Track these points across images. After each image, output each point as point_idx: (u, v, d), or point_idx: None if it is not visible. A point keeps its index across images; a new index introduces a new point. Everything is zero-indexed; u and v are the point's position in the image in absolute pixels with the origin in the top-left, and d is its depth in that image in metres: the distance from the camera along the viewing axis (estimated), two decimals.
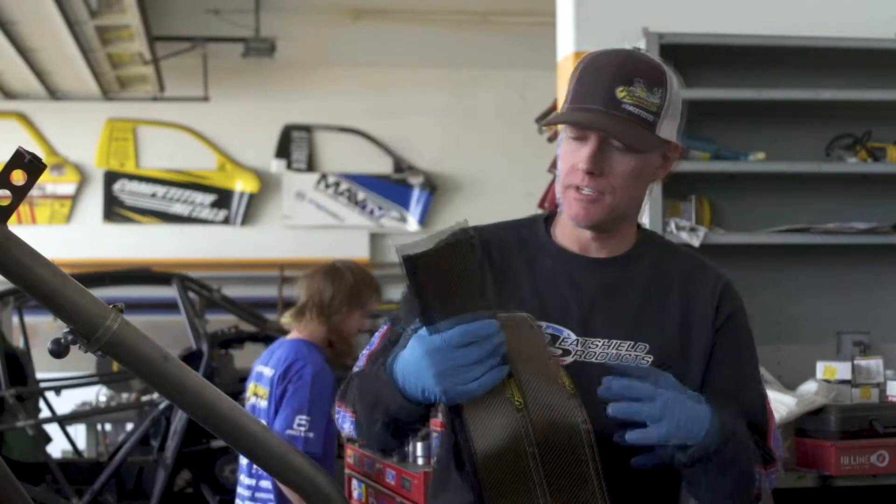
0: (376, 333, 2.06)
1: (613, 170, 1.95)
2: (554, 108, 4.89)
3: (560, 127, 2.03)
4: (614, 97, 1.92)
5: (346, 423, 1.98)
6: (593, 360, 1.95)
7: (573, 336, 1.96)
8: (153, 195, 12.24)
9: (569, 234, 2.05)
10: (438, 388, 1.74)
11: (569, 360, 1.94)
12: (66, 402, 7.62)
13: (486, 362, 1.74)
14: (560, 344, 1.96)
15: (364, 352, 2.05)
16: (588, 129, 1.95)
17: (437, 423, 3.13)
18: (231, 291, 7.78)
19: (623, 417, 1.80)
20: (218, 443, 6.38)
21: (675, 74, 2.01)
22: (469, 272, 1.77)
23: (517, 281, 2.02)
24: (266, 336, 6.92)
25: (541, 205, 5.15)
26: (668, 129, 1.98)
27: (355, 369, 2.03)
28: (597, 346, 1.96)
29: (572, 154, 1.98)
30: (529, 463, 1.75)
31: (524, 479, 1.75)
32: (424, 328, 1.77)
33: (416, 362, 1.77)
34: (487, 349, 1.74)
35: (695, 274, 2.08)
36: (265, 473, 3.54)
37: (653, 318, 2.00)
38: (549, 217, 2.12)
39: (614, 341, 1.97)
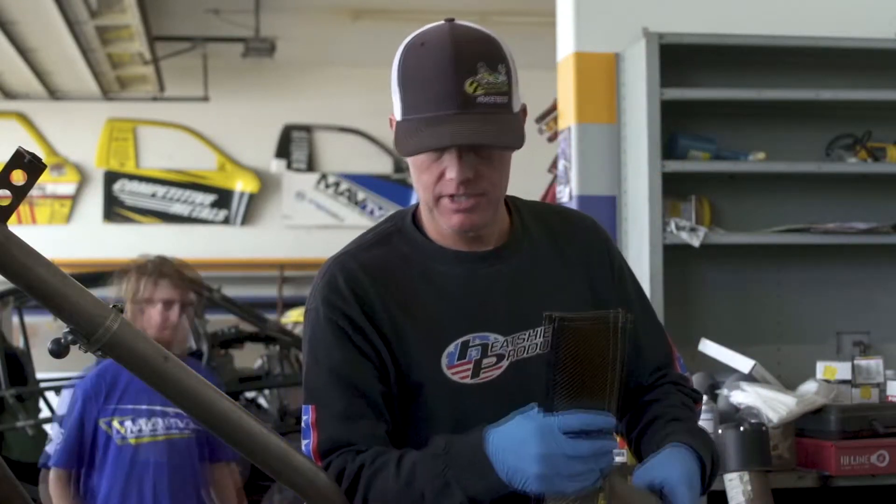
0: (304, 419, 1.86)
1: (484, 168, 1.81)
2: (554, 107, 4.89)
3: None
4: (465, 95, 1.76)
5: None
6: (525, 355, 1.88)
7: (500, 338, 1.87)
8: (153, 195, 12.25)
9: (449, 233, 1.89)
10: (533, 471, 1.64)
11: (504, 363, 1.86)
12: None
13: (591, 461, 1.65)
14: (491, 351, 1.86)
15: (304, 442, 1.85)
16: (462, 145, 1.77)
17: None
18: (231, 291, 7.77)
19: None
20: None
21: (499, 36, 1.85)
22: (608, 360, 1.69)
23: (423, 300, 1.87)
24: (266, 336, 6.92)
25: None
26: (518, 100, 1.85)
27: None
28: (524, 339, 1.88)
29: (432, 165, 1.81)
30: None
31: None
32: (542, 410, 1.67)
33: (521, 441, 1.66)
34: (597, 448, 1.66)
35: (578, 229, 2.02)
36: None
37: (563, 290, 1.94)
38: (415, 215, 1.95)
39: (539, 328, 1.88)
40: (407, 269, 1.90)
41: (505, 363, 1.87)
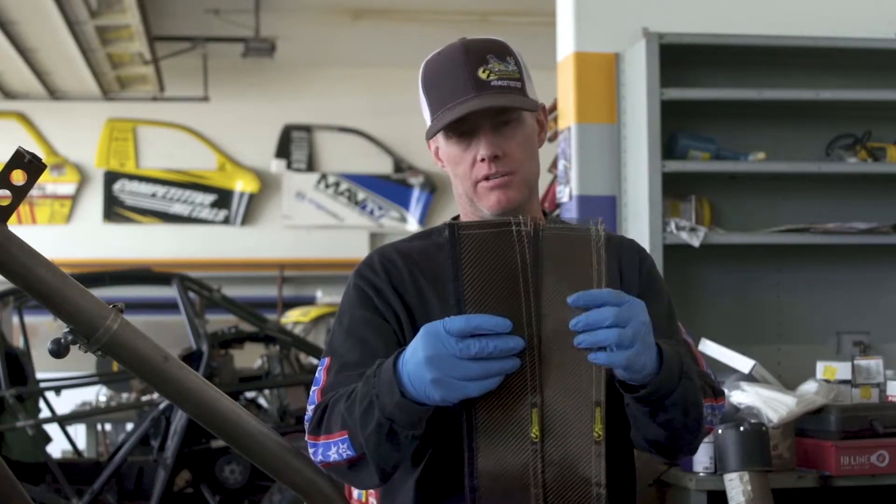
0: (319, 369, 1.97)
1: (510, 147, 1.96)
2: (554, 107, 4.89)
3: (441, 139, 2.00)
4: (479, 80, 1.92)
5: (330, 449, 1.84)
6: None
7: None
8: (153, 195, 12.24)
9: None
10: (428, 376, 1.66)
11: None
12: (66, 402, 7.61)
13: (486, 363, 1.66)
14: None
15: (313, 388, 1.95)
16: (482, 113, 1.91)
17: None
18: (231, 291, 7.77)
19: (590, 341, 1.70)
20: (218, 443, 6.37)
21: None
22: (513, 268, 1.68)
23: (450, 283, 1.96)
24: (266, 336, 6.92)
25: (541, 204, 5.15)
26: (533, 92, 2.00)
27: (311, 406, 1.92)
28: None
29: (464, 153, 1.97)
30: (530, 500, 1.71)
31: None
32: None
33: (414, 348, 1.70)
34: (486, 346, 1.65)
35: (613, 242, 2.09)
36: None
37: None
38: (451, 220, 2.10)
39: None
40: (441, 255, 1.98)
41: None
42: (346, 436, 1.81)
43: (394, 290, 1.98)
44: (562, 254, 1.73)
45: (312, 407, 1.92)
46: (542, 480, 1.71)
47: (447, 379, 1.66)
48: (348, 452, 1.82)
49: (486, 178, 1.96)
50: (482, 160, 1.95)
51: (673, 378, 1.80)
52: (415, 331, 1.90)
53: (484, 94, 1.91)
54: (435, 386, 1.67)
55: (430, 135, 1.98)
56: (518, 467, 1.71)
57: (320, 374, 1.96)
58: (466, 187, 1.99)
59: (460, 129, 1.95)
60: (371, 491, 3.89)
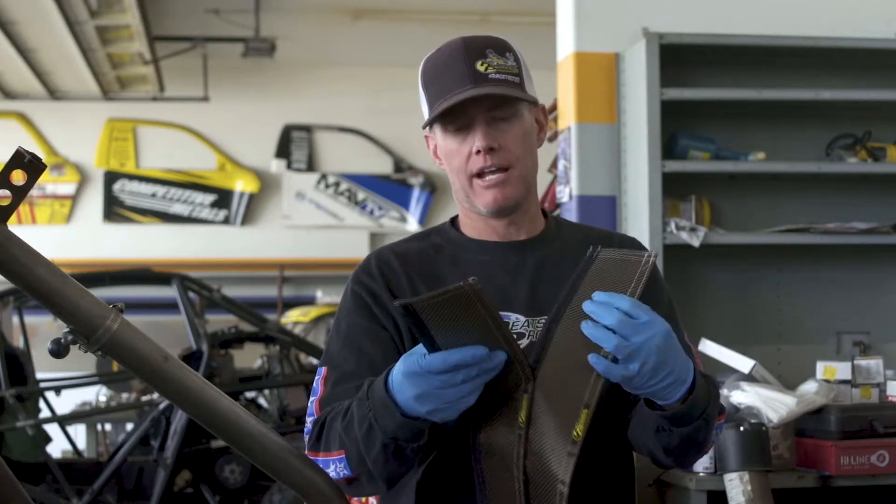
0: (317, 379, 1.99)
1: (507, 140, 1.94)
2: (554, 107, 4.89)
3: (439, 135, 2.00)
4: (477, 72, 1.92)
5: (328, 466, 1.87)
6: None
7: (522, 318, 1.94)
8: (153, 195, 12.24)
9: (482, 227, 2.03)
10: (424, 409, 1.71)
11: (524, 342, 1.90)
12: (66, 402, 7.61)
13: (475, 380, 1.70)
14: (512, 328, 1.91)
15: (312, 399, 1.96)
16: (477, 104, 1.91)
17: None
18: (231, 291, 7.78)
19: (594, 340, 1.73)
20: (218, 443, 6.37)
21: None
22: (474, 320, 1.70)
23: (449, 280, 1.91)
24: (266, 336, 6.92)
25: (541, 204, 5.14)
26: (533, 90, 1.99)
27: (310, 418, 1.94)
28: (544, 323, 1.92)
29: (460, 146, 1.96)
30: (514, 482, 1.79)
31: (511, 490, 1.79)
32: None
33: (400, 384, 1.73)
34: (471, 374, 1.69)
35: (615, 242, 2.07)
36: None
37: None
38: (454, 221, 2.11)
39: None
40: (438, 256, 2.02)
41: (525, 342, 1.92)
42: (343, 455, 1.84)
43: (391, 294, 1.97)
44: (608, 269, 1.82)
45: (311, 420, 1.93)
46: (523, 465, 1.77)
47: (442, 406, 1.71)
48: (345, 472, 1.85)
49: (482, 173, 1.94)
50: (477, 152, 1.93)
51: (692, 416, 1.83)
52: (413, 335, 1.91)
53: (480, 86, 1.90)
54: (433, 414, 1.73)
55: (425, 124, 1.97)
56: (508, 447, 1.79)
57: (318, 385, 1.96)
58: (463, 182, 1.97)
59: (456, 122, 1.94)
60: None
